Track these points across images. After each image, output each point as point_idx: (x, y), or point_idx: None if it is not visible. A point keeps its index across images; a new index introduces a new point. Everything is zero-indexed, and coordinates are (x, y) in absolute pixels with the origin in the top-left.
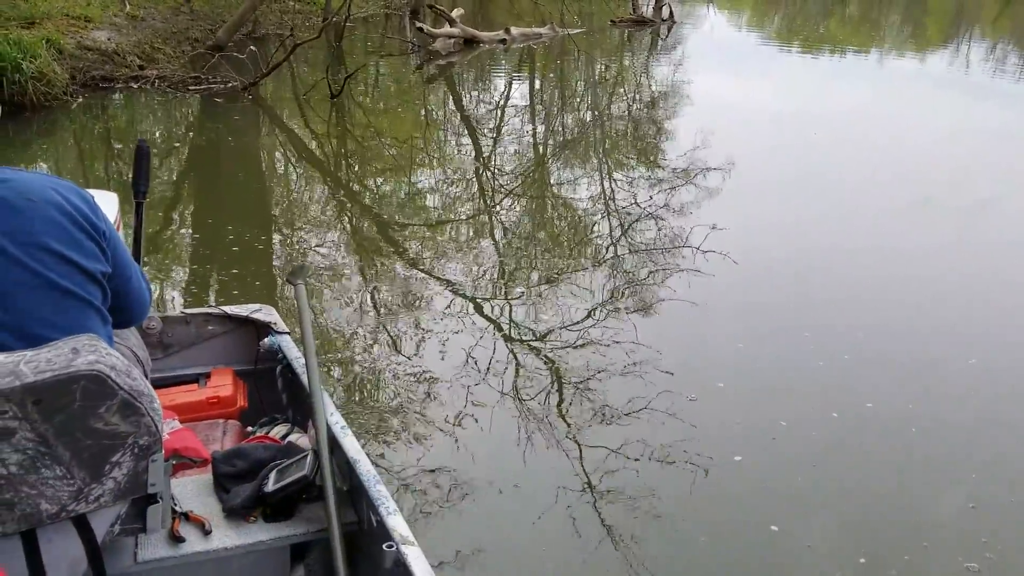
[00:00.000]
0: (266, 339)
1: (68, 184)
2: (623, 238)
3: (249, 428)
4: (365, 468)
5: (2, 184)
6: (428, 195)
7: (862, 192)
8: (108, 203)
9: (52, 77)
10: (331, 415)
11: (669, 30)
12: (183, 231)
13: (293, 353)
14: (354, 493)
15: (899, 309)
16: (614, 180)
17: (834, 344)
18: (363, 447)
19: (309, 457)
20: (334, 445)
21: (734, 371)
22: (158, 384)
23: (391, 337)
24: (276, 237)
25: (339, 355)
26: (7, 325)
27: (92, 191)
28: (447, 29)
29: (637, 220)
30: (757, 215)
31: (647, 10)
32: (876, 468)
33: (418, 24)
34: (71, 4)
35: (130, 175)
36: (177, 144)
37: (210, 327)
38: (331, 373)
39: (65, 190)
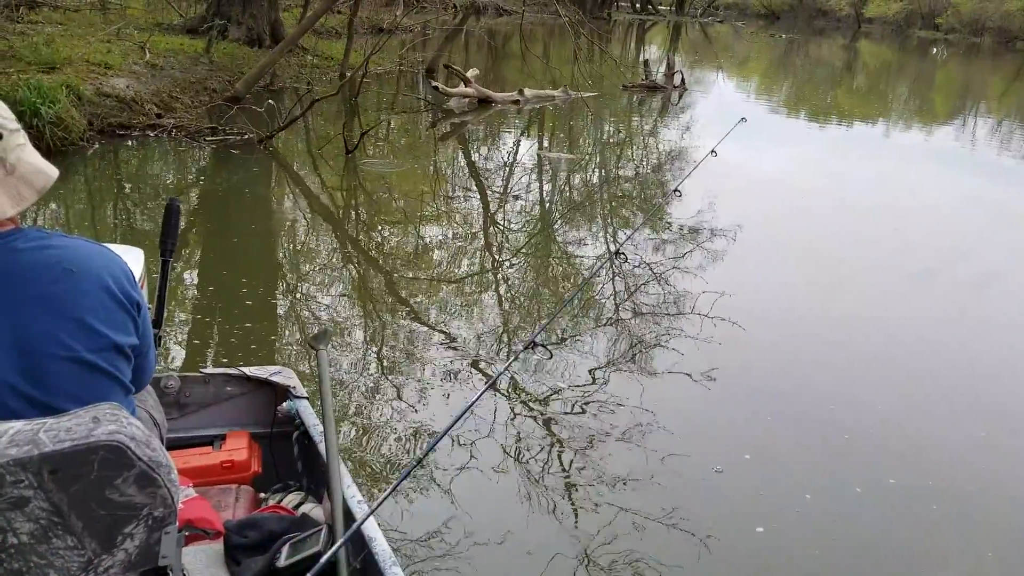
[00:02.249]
0: (284, 403)
1: (111, 254)
2: (630, 300)
3: (262, 495)
4: (381, 548)
5: (47, 250)
6: (438, 251)
7: (870, 262)
8: (134, 259)
9: (70, 123)
10: (347, 487)
11: (680, 96)
12: (197, 284)
13: (311, 419)
14: (368, 573)
15: (919, 382)
16: (619, 241)
17: (858, 418)
18: (374, 515)
19: (323, 532)
20: (350, 520)
21: (758, 442)
22: (172, 445)
23: (397, 393)
24: (290, 292)
25: (344, 411)
26: (29, 396)
27: (119, 247)
28: (462, 89)
29: (644, 283)
30: (764, 282)
31: (658, 76)
32: (897, 544)
33: (433, 83)
34: (92, 51)
35: (140, 222)
36: (193, 194)
37: (228, 388)
38: (341, 438)
39: (108, 261)
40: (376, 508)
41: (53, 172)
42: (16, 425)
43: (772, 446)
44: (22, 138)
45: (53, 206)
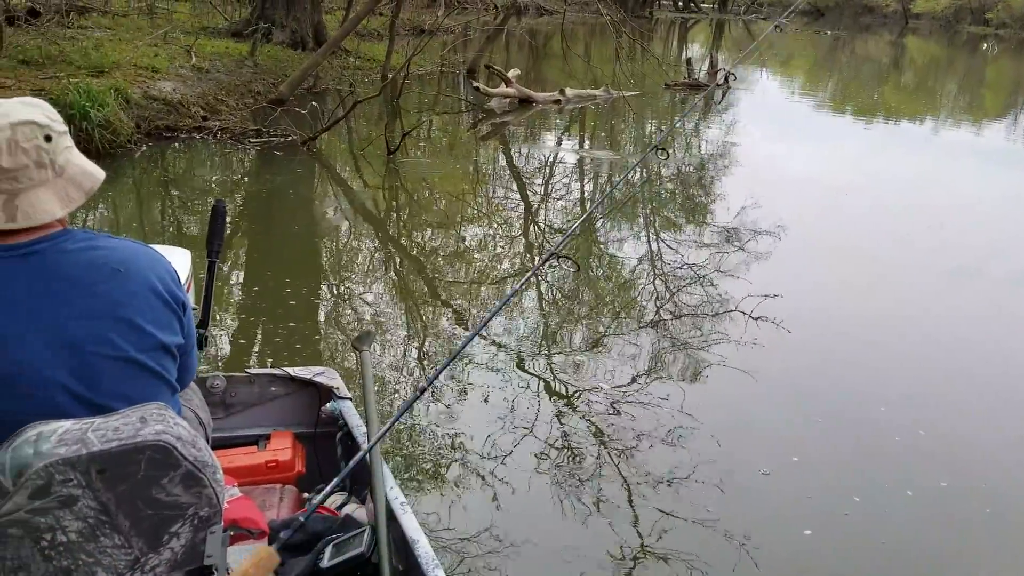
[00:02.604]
0: (328, 404)
1: (156, 254)
2: (672, 301)
3: (305, 495)
4: (424, 550)
5: (95, 251)
6: (479, 252)
7: (913, 261)
8: (181, 260)
9: (118, 125)
10: (390, 489)
11: (723, 94)
12: (243, 284)
13: (354, 420)
14: (411, 575)
15: (964, 384)
16: (662, 241)
17: (908, 420)
18: (411, 508)
19: (367, 533)
20: (392, 521)
21: (807, 445)
22: (218, 444)
23: (439, 394)
24: (333, 292)
25: (387, 413)
26: (78, 394)
27: (166, 247)
28: (503, 89)
29: (688, 284)
30: (809, 282)
31: (701, 74)
32: (949, 548)
33: (474, 83)
34: (139, 55)
35: (186, 222)
36: (238, 196)
37: (273, 388)
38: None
39: (153, 261)
40: (382, 436)
41: (100, 174)
42: (65, 424)
43: (819, 449)
44: (69, 141)
45: (102, 208)
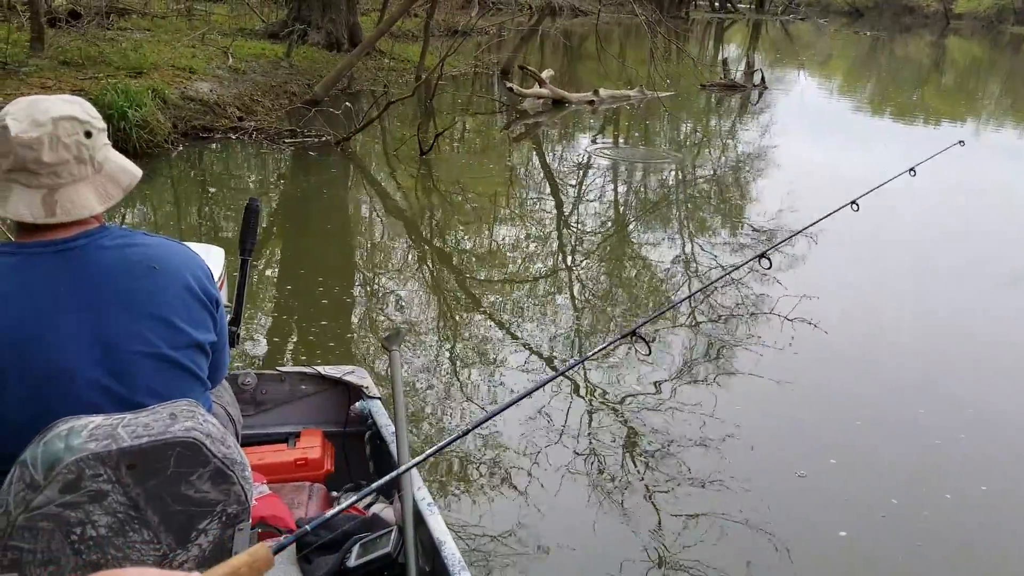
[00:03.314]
0: (357, 403)
1: (190, 252)
2: (706, 302)
3: (334, 493)
4: (450, 551)
5: (131, 248)
6: (512, 252)
7: (955, 264)
8: (215, 258)
9: (155, 125)
10: (418, 489)
11: (760, 95)
12: (276, 283)
13: (383, 420)
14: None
15: (1010, 387)
16: (696, 242)
17: (949, 423)
18: (439, 509)
19: (394, 533)
20: (419, 522)
21: (844, 447)
22: (247, 442)
23: (470, 395)
24: (366, 292)
25: (417, 413)
26: (112, 390)
27: (201, 245)
28: (536, 90)
29: (723, 285)
30: (843, 284)
31: (737, 75)
32: (986, 553)
33: (508, 84)
34: (177, 56)
35: (221, 222)
36: (272, 195)
37: (303, 386)
38: (412, 439)
39: (187, 259)
40: (418, 462)
41: (137, 171)
42: (96, 420)
43: (857, 451)
44: (107, 138)
45: (140, 207)
